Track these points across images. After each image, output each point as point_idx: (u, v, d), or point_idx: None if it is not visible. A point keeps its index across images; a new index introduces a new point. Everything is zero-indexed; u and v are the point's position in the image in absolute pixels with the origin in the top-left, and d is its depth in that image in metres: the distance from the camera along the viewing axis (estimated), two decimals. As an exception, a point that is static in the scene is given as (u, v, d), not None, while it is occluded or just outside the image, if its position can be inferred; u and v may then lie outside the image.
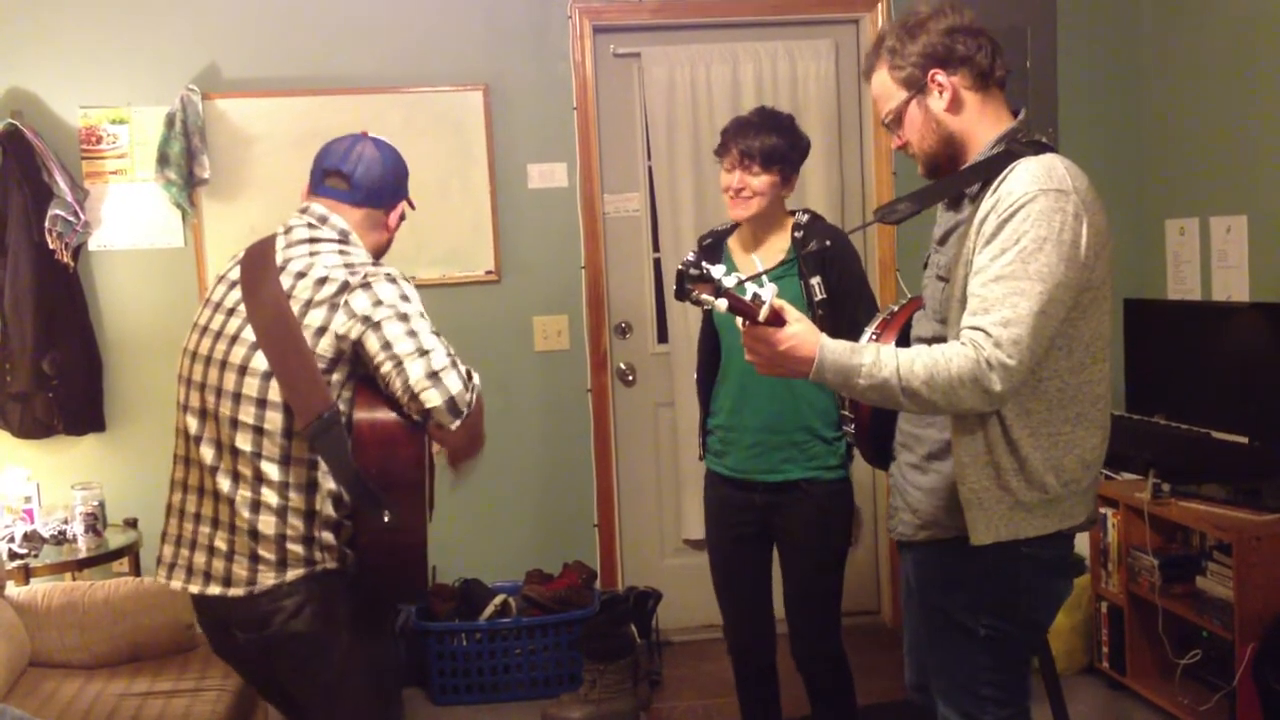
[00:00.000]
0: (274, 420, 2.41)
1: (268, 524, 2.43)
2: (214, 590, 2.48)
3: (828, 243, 3.12)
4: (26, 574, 3.94)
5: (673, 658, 4.72)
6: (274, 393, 2.41)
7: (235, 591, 2.46)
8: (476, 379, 2.40)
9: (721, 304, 2.12)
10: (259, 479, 2.43)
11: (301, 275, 2.45)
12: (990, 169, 2.24)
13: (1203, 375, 4.10)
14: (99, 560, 4.12)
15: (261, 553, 2.44)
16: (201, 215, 4.50)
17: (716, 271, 2.11)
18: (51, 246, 4.28)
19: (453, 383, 2.32)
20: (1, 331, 4.29)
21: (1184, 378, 4.18)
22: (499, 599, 4.45)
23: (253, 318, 2.45)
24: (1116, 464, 4.23)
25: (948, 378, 2.11)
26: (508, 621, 4.39)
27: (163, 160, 4.41)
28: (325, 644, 2.50)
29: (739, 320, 2.18)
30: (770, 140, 3.14)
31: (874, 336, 2.47)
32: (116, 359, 4.53)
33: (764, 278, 2.18)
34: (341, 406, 2.41)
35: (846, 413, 2.58)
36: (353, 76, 4.57)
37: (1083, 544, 4.24)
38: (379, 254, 2.67)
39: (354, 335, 2.39)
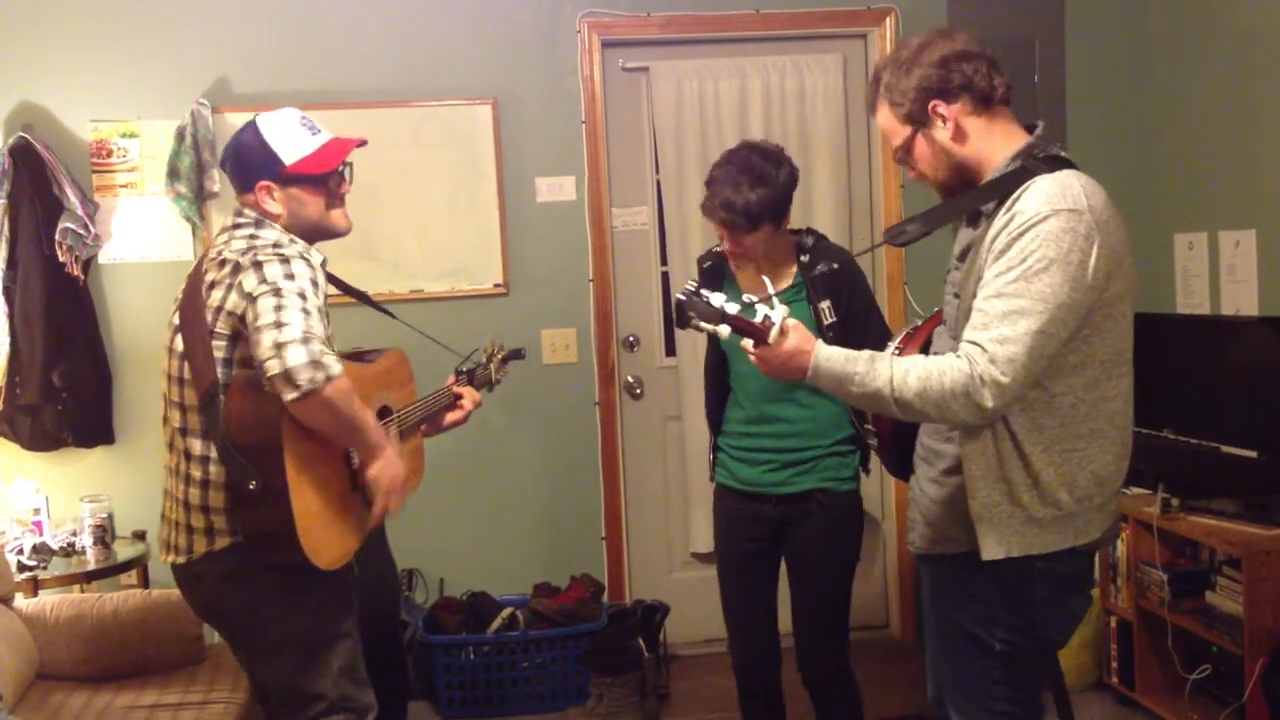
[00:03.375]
0: (190, 397, 2.62)
1: (195, 495, 2.63)
2: (168, 558, 2.72)
3: (835, 265, 3.10)
4: (35, 586, 3.94)
5: (680, 672, 4.72)
6: (188, 371, 2.63)
7: (178, 559, 2.69)
8: (334, 368, 2.40)
9: (724, 330, 2.14)
10: (187, 454, 2.65)
11: (214, 259, 2.64)
12: (1005, 186, 2.23)
13: (1212, 390, 4.09)
14: (107, 572, 4.13)
15: (193, 523, 2.65)
16: (211, 228, 4.50)
17: (716, 300, 2.13)
18: (62, 259, 4.30)
19: (294, 356, 2.37)
20: (11, 344, 4.30)
21: (1193, 392, 4.17)
22: (506, 612, 4.44)
23: (180, 305, 2.69)
24: (1125, 478, 4.22)
25: (940, 391, 2.12)
26: (515, 635, 4.38)
27: (173, 174, 4.44)
28: (249, 613, 2.70)
29: (746, 341, 2.19)
30: (751, 196, 3.03)
31: (897, 351, 2.47)
32: (126, 372, 4.54)
33: (775, 299, 2.18)
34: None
35: (870, 427, 2.58)
36: (362, 90, 4.59)
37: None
38: (307, 237, 2.76)
39: (239, 312, 2.52)
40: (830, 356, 2.19)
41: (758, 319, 2.16)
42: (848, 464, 3.24)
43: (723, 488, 3.38)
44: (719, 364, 3.36)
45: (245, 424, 2.51)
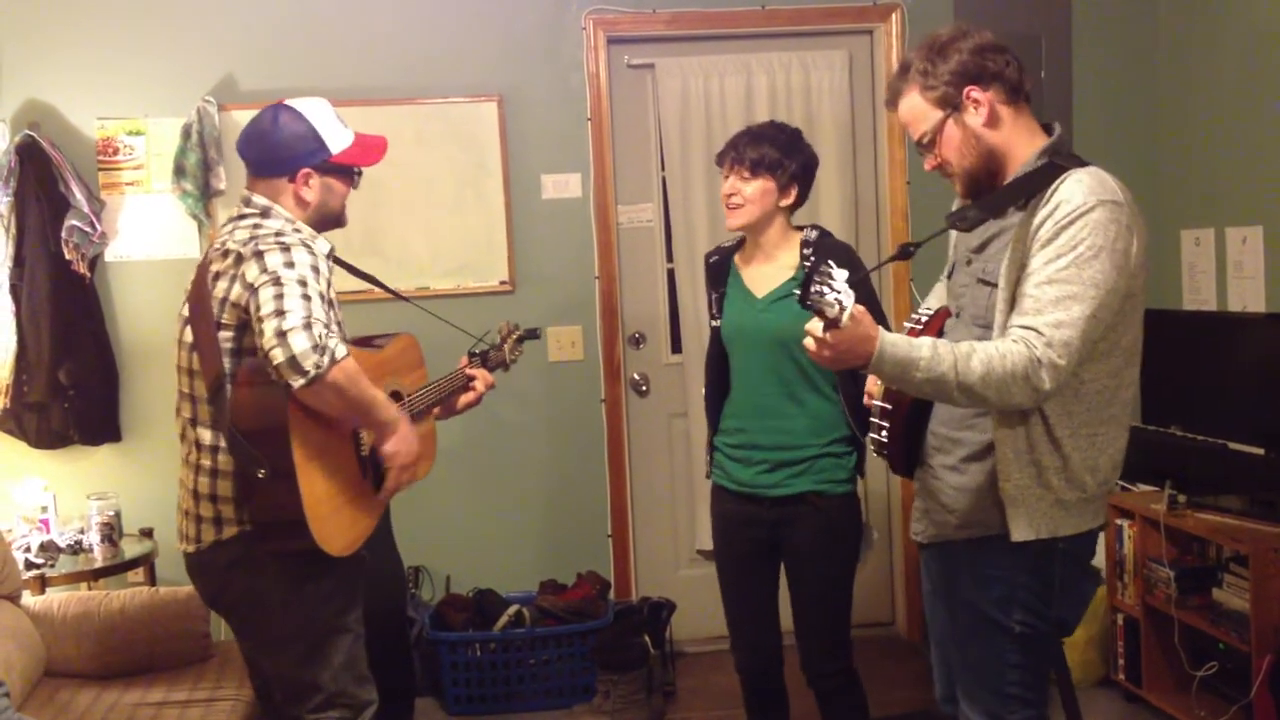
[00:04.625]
0: (200, 388, 2.67)
1: (204, 485, 2.67)
2: (181, 547, 2.77)
3: (912, 249, 2.98)
4: (43, 583, 3.95)
5: (686, 669, 4.72)
6: (197, 362, 2.66)
7: (189, 548, 2.74)
8: (338, 350, 2.43)
9: (837, 308, 2.08)
10: (198, 444, 2.69)
11: (219, 250, 2.67)
12: (1042, 179, 2.29)
13: (1219, 386, 4.08)
14: (115, 570, 4.14)
15: (201, 512, 2.69)
16: (217, 226, 4.50)
17: (839, 274, 2.07)
18: (68, 257, 4.30)
19: (298, 342, 2.39)
20: (18, 342, 4.31)
21: (1200, 389, 4.16)
22: (513, 609, 4.45)
23: (189, 297, 2.72)
24: (1132, 475, 4.22)
25: (1003, 374, 2.17)
26: (522, 632, 4.39)
27: (179, 171, 4.44)
28: (256, 601, 2.73)
29: (814, 323, 2.15)
30: (762, 149, 3.15)
31: None
32: (132, 369, 4.55)
33: (845, 286, 2.15)
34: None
35: (877, 420, 2.57)
36: (368, 88, 4.59)
37: (1098, 555, 4.23)
38: (321, 225, 2.81)
39: (243, 303, 2.54)
40: (895, 343, 2.19)
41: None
42: (843, 466, 3.21)
43: (719, 488, 3.36)
44: (719, 359, 3.34)
45: (251, 412, 2.53)
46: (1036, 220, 2.24)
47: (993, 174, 2.39)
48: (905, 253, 2.38)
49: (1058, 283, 2.18)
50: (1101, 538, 4.15)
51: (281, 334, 2.39)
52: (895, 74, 2.46)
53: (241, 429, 2.53)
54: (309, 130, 2.76)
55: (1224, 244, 4.40)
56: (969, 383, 2.18)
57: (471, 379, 3.20)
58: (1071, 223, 2.19)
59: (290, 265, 2.53)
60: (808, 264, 3.13)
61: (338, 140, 2.80)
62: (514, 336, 3.48)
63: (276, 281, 2.48)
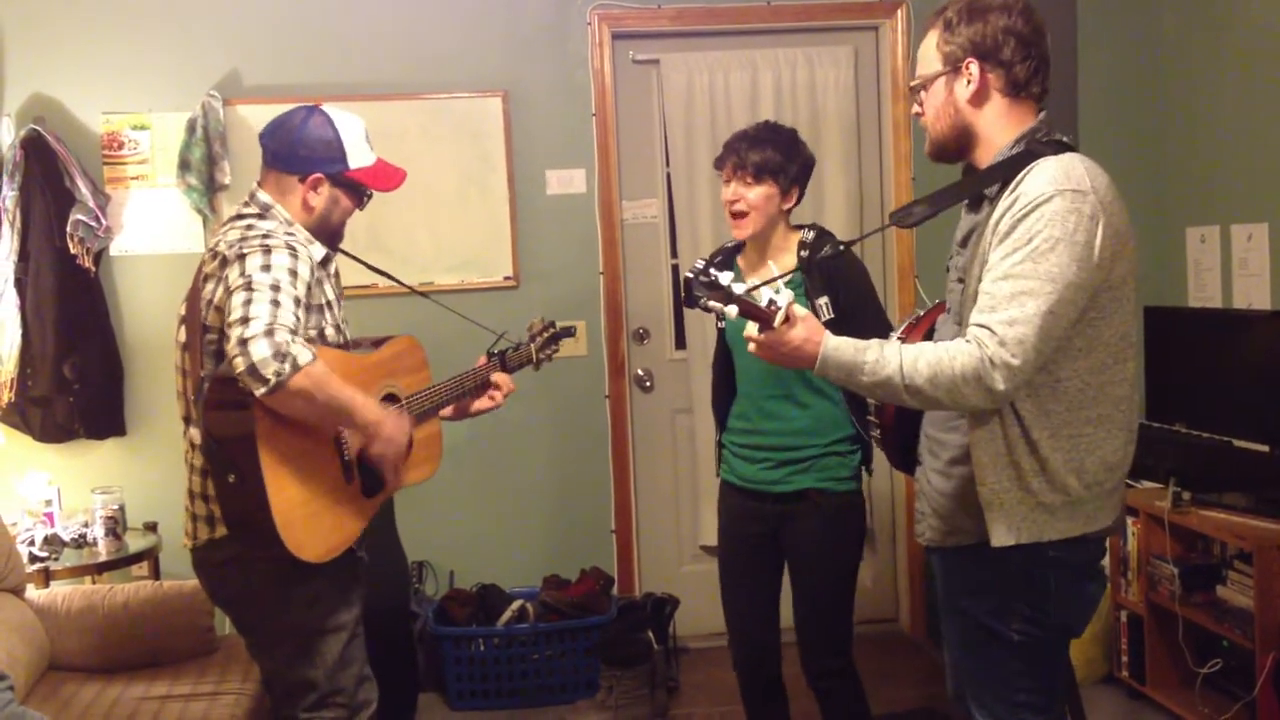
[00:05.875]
0: (191, 389, 2.66)
1: (196, 484, 2.70)
2: (184, 542, 2.78)
3: (841, 247, 3.07)
4: (47, 577, 3.95)
5: (690, 664, 4.72)
6: (188, 362, 2.67)
7: (188, 543, 2.76)
8: (301, 357, 2.38)
9: (732, 310, 2.11)
10: (192, 444, 2.68)
11: (210, 251, 2.66)
12: (1009, 169, 2.23)
13: (1224, 384, 4.08)
14: (119, 564, 4.14)
15: (196, 510, 2.71)
16: (221, 220, 4.50)
17: (724, 278, 2.11)
18: (73, 251, 4.30)
19: (258, 350, 2.35)
20: (23, 336, 4.31)
21: (1205, 386, 4.16)
22: (516, 604, 4.45)
23: (186, 297, 2.72)
24: (1137, 472, 4.20)
25: (951, 376, 2.11)
26: (525, 627, 4.39)
27: (184, 166, 4.44)
28: (250, 599, 2.74)
29: (750, 326, 2.17)
30: (765, 153, 3.11)
31: (900, 340, 2.46)
32: (137, 363, 4.56)
33: (779, 284, 2.17)
34: None
35: (872, 418, 2.57)
36: (373, 83, 4.59)
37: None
38: (321, 233, 2.78)
39: (224, 306, 2.52)
40: (839, 346, 2.17)
41: (763, 303, 2.14)
42: (846, 464, 3.22)
43: (726, 484, 3.38)
44: (725, 359, 3.35)
45: (220, 418, 2.50)
46: (996, 214, 2.18)
47: (960, 150, 2.34)
48: (835, 250, 2.37)
49: (1013, 278, 2.10)
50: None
51: (243, 341, 2.36)
52: (936, 10, 2.38)
53: (213, 434, 2.51)
54: (334, 138, 2.75)
55: (1229, 241, 4.40)
56: (916, 385, 2.13)
57: (487, 379, 3.12)
58: (1027, 214, 2.12)
59: (266, 269, 2.50)
60: (806, 264, 3.12)
61: (359, 158, 2.79)
62: (545, 334, 3.37)
63: (248, 286, 2.45)
